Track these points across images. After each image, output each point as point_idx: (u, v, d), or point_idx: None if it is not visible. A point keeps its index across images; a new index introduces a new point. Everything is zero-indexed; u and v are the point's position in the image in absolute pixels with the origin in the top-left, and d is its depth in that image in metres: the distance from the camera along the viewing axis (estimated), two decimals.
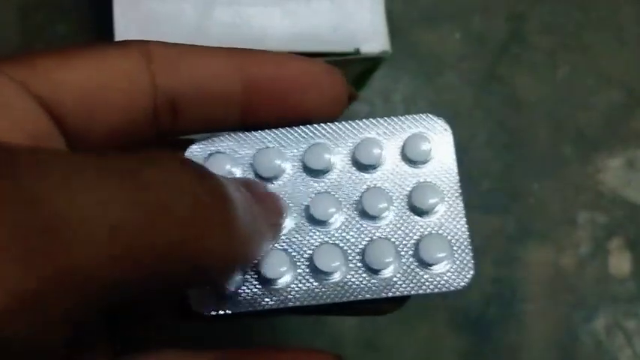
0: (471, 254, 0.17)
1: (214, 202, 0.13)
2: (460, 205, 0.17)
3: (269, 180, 0.18)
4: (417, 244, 0.17)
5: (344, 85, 0.18)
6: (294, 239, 0.17)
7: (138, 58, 0.16)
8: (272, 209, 0.17)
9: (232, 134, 0.18)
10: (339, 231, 0.17)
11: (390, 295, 0.17)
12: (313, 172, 0.18)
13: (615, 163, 0.37)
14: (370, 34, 0.28)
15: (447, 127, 0.18)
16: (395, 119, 0.18)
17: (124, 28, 0.26)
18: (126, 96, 0.16)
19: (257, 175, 0.18)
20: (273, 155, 0.18)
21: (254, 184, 0.17)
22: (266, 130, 0.18)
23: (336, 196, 0.18)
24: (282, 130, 0.18)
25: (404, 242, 0.17)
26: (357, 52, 0.27)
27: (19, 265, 0.10)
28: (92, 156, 0.12)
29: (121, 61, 0.16)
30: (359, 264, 0.17)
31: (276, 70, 0.18)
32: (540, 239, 0.35)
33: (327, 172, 0.18)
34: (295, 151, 0.18)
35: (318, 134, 0.18)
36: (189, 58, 0.17)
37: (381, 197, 0.17)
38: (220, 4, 0.27)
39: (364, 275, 0.17)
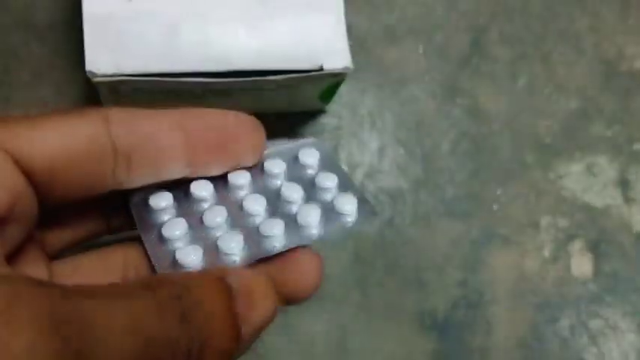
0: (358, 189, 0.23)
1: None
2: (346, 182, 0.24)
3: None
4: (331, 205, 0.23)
5: (263, 132, 0.23)
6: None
7: (98, 123, 0.19)
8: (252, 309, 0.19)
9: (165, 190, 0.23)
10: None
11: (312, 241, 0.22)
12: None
13: (575, 169, 0.38)
14: (333, 51, 0.29)
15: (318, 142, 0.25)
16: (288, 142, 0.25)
17: (95, 48, 0.27)
18: (89, 156, 0.19)
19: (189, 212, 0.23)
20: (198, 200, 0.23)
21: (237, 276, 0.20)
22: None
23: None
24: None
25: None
26: (320, 68, 0.28)
27: None
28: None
29: (84, 126, 0.19)
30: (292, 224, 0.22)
31: (213, 121, 0.22)
32: (504, 243, 0.37)
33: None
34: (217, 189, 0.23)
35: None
36: (140, 119, 0.20)
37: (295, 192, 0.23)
38: (186, 23, 0.28)
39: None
